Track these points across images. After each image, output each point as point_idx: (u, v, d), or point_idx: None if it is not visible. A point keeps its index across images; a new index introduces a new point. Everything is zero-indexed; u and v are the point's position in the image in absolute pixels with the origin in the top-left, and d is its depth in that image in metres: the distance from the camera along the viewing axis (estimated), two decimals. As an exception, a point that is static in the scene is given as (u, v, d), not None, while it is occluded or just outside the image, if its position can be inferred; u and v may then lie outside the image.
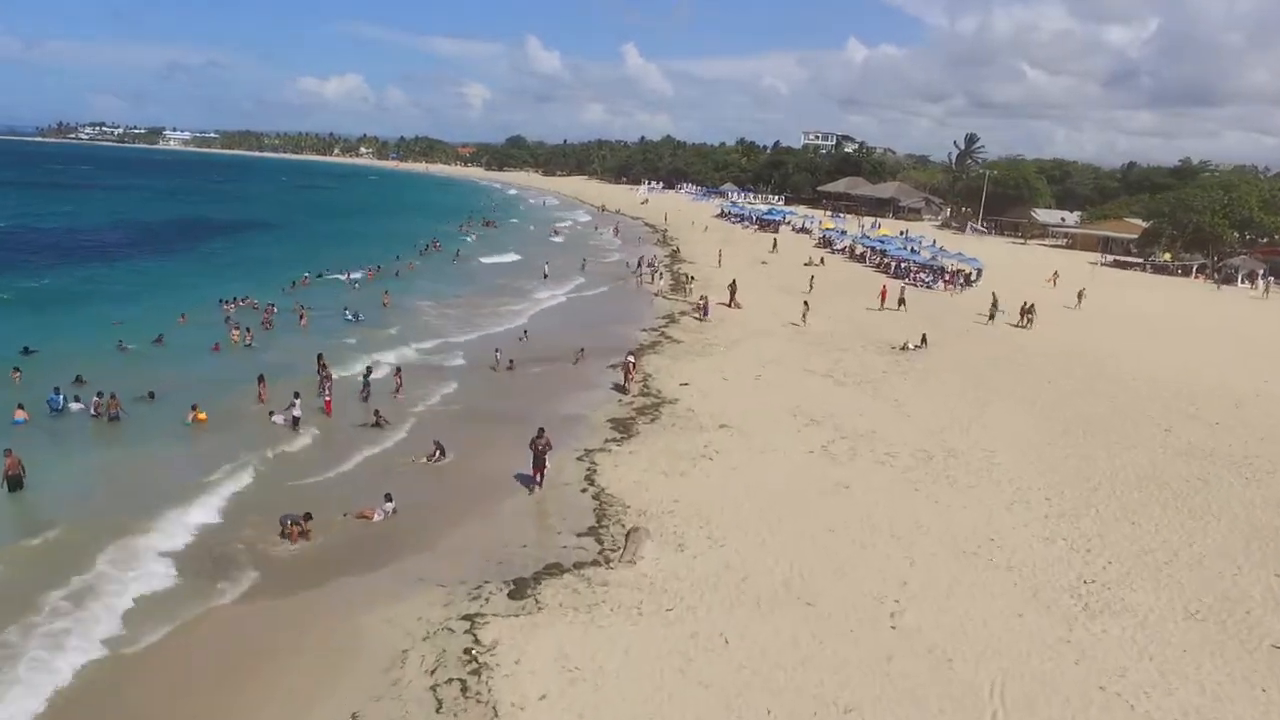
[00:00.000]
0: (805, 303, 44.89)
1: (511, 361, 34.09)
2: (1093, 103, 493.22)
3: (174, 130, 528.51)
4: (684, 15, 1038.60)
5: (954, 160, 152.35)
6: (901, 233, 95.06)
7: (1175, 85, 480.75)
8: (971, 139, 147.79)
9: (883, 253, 74.30)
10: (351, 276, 54.32)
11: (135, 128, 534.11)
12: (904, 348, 39.04)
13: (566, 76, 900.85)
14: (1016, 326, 46.14)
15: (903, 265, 66.88)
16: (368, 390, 29.13)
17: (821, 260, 71.96)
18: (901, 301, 50.87)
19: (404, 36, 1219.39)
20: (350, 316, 41.77)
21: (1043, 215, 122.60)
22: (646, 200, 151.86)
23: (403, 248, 70.09)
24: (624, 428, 26.66)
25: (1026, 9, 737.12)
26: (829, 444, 25.38)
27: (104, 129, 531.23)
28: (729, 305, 48.85)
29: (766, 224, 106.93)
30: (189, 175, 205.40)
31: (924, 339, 39.62)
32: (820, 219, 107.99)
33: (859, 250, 79.37)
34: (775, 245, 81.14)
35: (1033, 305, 46.86)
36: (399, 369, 30.73)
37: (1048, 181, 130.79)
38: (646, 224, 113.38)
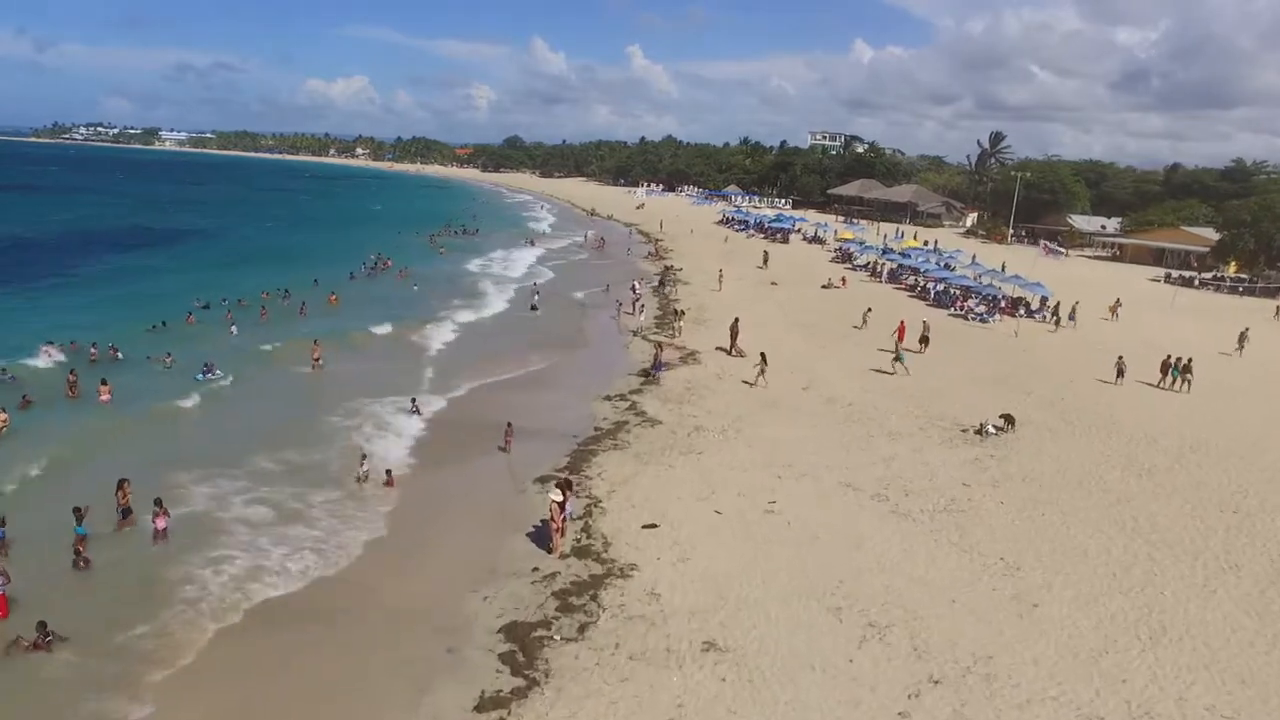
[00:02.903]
0: (762, 355, 32.17)
1: (389, 474, 21.90)
2: (1102, 105, 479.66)
3: (171, 131, 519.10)
4: (694, 18, 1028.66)
5: (975, 161, 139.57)
6: (925, 243, 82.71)
7: (1186, 87, 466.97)
8: (997, 138, 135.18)
9: (915, 271, 62.06)
10: (232, 326, 39.53)
11: (131, 128, 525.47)
12: (980, 432, 26.83)
13: (573, 78, 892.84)
14: (1160, 388, 34.03)
15: (945, 290, 54.51)
16: (82, 557, 17.11)
17: (843, 280, 59.61)
18: (924, 341, 38.65)
19: (411, 39, 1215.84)
20: (159, 365, 29.56)
21: (1080, 222, 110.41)
22: (643, 205, 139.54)
23: (343, 267, 57.90)
24: (525, 656, 14.36)
25: (1036, 10, 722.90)
26: (912, 702, 13.18)
27: (99, 129, 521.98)
28: (729, 353, 36.69)
29: (774, 233, 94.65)
30: (160, 177, 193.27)
31: (1009, 420, 27.37)
32: (835, 227, 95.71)
33: (881, 266, 67.05)
34: (766, 260, 68.58)
35: (1189, 361, 34.25)
36: (121, 481, 18.58)
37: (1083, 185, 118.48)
38: (640, 232, 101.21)
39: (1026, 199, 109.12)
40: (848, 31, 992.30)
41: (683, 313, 44.09)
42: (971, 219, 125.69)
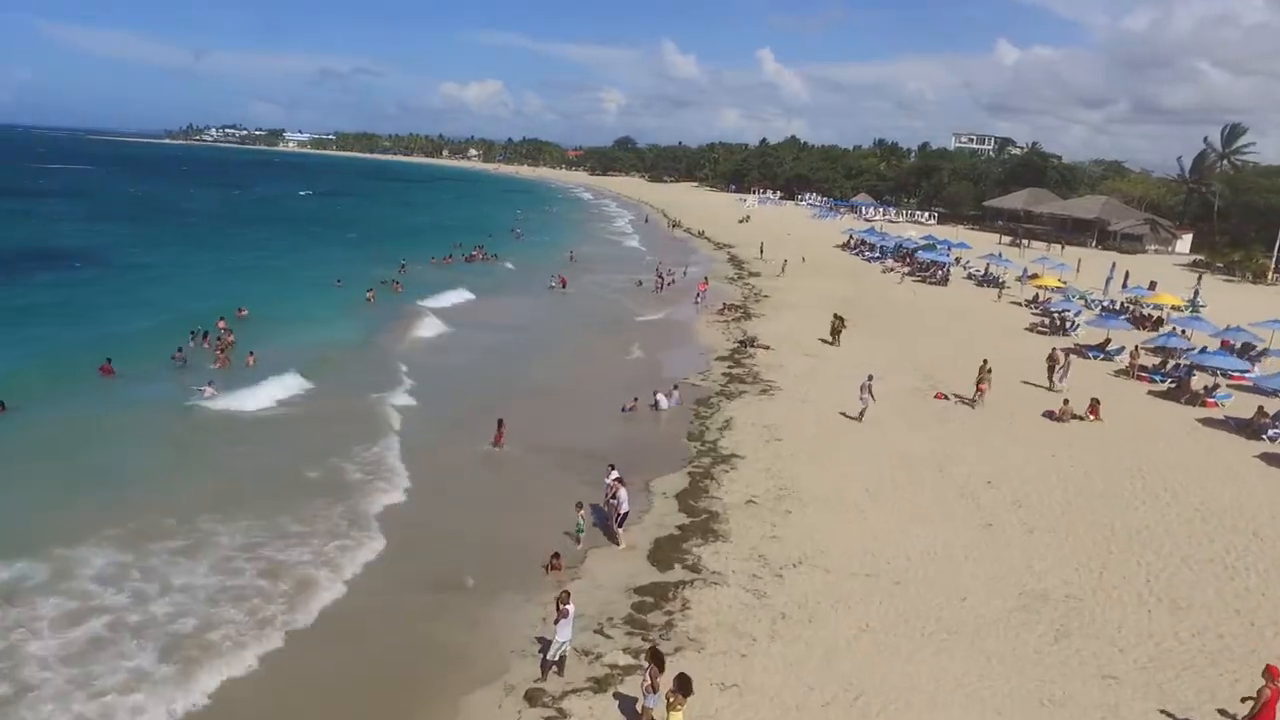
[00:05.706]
0: None
1: None
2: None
3: (296, 133, 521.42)
4: (825, 19, 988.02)
5: (1189, 166, 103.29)
6: (1191, 302, 50.66)
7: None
8: (1234, 133, 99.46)
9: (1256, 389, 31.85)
10: None
11: (259, 130, 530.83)
12: None
13: (703, 81, 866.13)
14: None
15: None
16: None
17: (1093, 408, 29.25)
18: None
19: (541, 44, 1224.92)
20: None
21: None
22: (747, 218, 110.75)
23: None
24: None
25: (1211, 3, 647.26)
26: None
27: (228, 131, 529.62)
28: None
29: (922, 268, 64.82)
30: (202, 178, 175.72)
31: None
32: (1022, 264, 64.02)
33: (1139, 357, 36.99)
34: (838, 331, 39.40)
35: None
36: None
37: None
38: (731, 259, 73.30)
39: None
40: (988, 32, 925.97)
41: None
42: (1185, 243, 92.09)
